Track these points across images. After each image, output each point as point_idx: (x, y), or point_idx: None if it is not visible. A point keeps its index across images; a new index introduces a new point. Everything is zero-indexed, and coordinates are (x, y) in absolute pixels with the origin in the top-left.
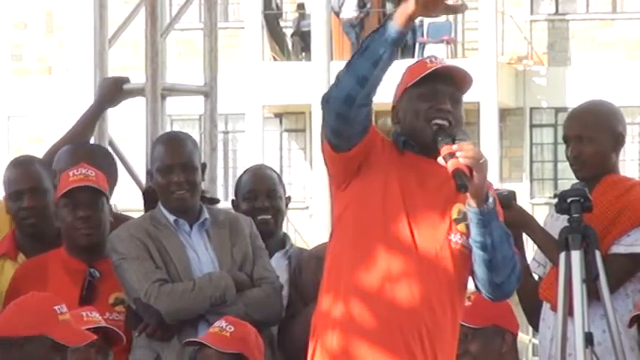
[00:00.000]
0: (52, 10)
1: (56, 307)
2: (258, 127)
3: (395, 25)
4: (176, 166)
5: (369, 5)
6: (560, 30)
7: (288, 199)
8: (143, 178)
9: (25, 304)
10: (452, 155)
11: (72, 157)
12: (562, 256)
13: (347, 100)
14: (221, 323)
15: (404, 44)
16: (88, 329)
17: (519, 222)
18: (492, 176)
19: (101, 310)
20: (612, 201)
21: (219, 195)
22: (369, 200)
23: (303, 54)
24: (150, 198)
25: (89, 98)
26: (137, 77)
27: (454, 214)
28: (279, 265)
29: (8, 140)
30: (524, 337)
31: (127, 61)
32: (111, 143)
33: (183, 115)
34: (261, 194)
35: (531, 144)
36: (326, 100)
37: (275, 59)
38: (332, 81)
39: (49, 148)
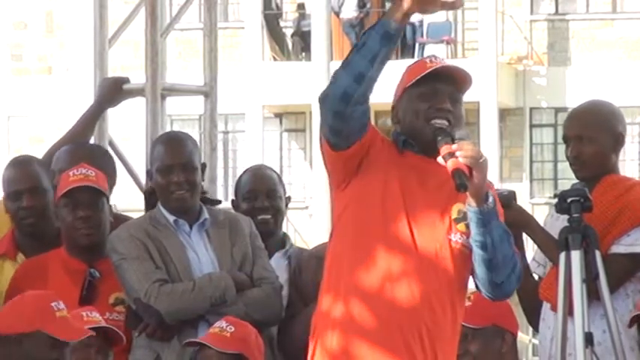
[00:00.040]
0: (52, 10)
1: (53, 304)
2: (258, 127)
3: (391, 22)
4: (176, 166)
5: (369, 5)
6: (560, 30)
7: (288, 199)
8: (143, 178)
9: (22, 302)
10: (451, 155)
11: (71, 157)
12: (562, 256)
13: (344, 97)
14: (221, 323)
15: (404, 44)
16: (89, 329)
17: (519, 222)
18: (492, 176)
19: (101, 310)
20: (612, 201)
21: (219, 195)
22: (368, 200)
23: (303, 54)
24: (151, 199)
25: (89, 98)
26: (137, 77)
27: (454, 214)
28: (279, 265)
29: (8, 140)
30: (524, 337)
31: (127, 61)
32: (111, 143)
33: (183, 115)
34: (261, 194)
35: (531, 144)
36: (323, 99)
37: (275, 59)
38: None
39: (49, 148)
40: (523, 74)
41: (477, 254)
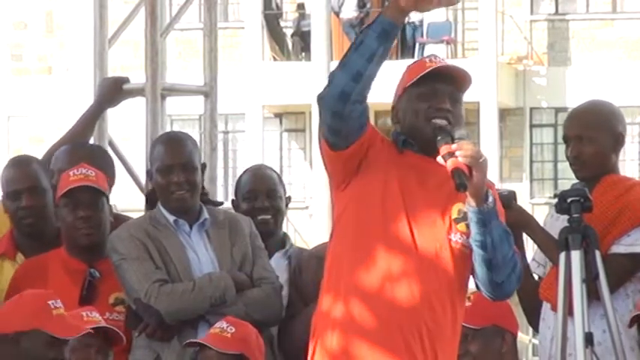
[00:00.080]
0: (52, 10)
1: (50, 302)
2: (258, 127)
3: (388, 20)
4: (176, 166)
5: (369, 5)
6: (560, 30)
7: (288, 199)
8: (143, 178)
9: (19, 301)
10: (451, 154)
11: (70, 157)
12: (562, 256)
13: (342, 96)
14: (222, 324)
15: (404, 44)
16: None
17: (519, 222)
18: (492, 176)
19: (101, 310)
20: (612, 201)
21: (219, 195)
22: (368, 200)
23: (303, 54)
24: (152, 200)
25: (89, 98)
26: (137, 77)
27: (454, 214)
28: (279, 265)
29: (8, 140)
30: (524, 337)
31: (127, 61)
32: (111, 143)
33: (183, 115)
34: (261, 194)
35: (531, 144)
36: (321, 99)
37: (275, 59)
38: None
39: (49, 148)
40: (523, 74)
41: (477, 254)
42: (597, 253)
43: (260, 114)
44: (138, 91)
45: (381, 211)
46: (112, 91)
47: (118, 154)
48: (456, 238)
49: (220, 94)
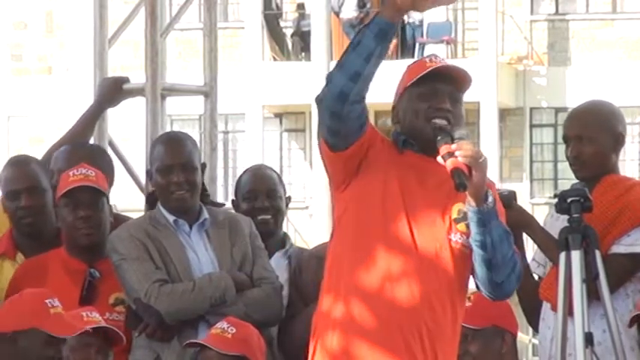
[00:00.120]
0: (52, 10)
1: (47, 301)
2: (258, 127)
3: (385, 19)
4: (176, 166)
5: (369, 5)
6: (560, 30)
7: (288, 199)
8: (143, 178)
9: (16, 300)
10: (451, 154)
11: (69, 157)
12: (562, 256)
13: (340, 97)
14: (223, 325)
15: (404, 44)
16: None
17: (519, 222)
18: (492, 176)
19: (101, 311)
20: (612, 201)
21: (219, 195)
22: (368, 200)
23: (303, 54)
24: (154, 201)
25: (89, 98)
26: (137, 77)
27: (454, 214)
28: (279, 265)
29: (8, 140)
30: (524, 337)
31: (127, 61)
32: (111, 143)
33: (183, 115)
34: (261, 194)
35: (531, 144)
36: (320, 100)
37: (275, 59)
38: None
39: (49, 148)
40: (523, 74)
41: (477, 254)
42: (597, 253)
43: (260, 114)
44: (138, 91)
45: (381, 212)
46: (112, 91)
47: (118, 154)
48: (456, 238)
49: (220, 94)
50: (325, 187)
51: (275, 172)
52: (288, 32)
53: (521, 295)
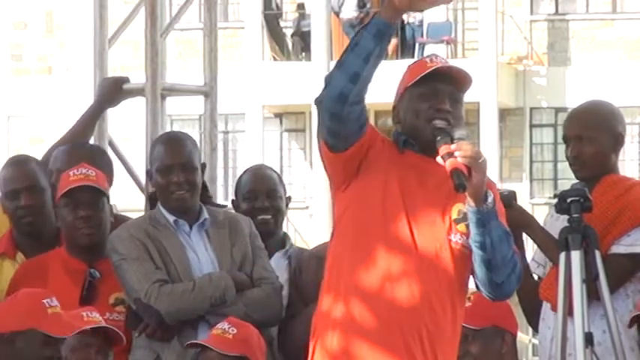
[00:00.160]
0: (52, 10)
1: (45, 301)
2: (258, 127)
3: (383, 20)
4: (176, 166)
5: (369, 5)
6: (560, 30)
7: (289, 199)
8: (143, 178)
9: (14, 300)
10: (450, 155)
11: (69, 157)
12: (562, 256)
13: (340, 98)
14: (224, 325)
15: (404, 44)
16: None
17: (519, 222)
18: (492, 176)
19: (101, 311)
20: (612, 201)
21: (219, 195)
22: (368, 200)
23: (303, 54)
24: (156, 201)
25: (89, 98)
26: (137, 77)
27: (454, 215)
28: (279, 265)
29: (8, 140)
30: (524, 337)
31: (127, 61)
32: (111, 143)
33: (183, 115)
34: (261, 194)
35: (531, 144)
36: (319, 101)
37: (275, 59)
38: None
39: (49, 148)
40: (523, 74)
41: (477, 254)
42: (597, 253)
43: (260, 114)
44: (138, 91)
45: (381, 212)
46: (112, 91)
47: (118, 154)
48: (456, 238)
49: (220, 94)
50: (325, 187)
51: (275, 172)
52: (288, 32)
53: (521, 295)
